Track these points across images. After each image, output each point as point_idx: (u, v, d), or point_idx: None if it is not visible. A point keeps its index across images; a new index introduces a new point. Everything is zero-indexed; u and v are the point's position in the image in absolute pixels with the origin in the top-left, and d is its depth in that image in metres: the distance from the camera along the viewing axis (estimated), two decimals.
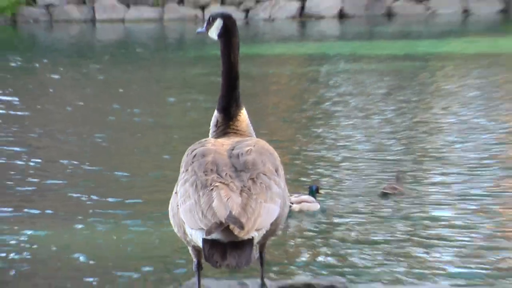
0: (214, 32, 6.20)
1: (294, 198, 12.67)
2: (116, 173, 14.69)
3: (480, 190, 13.48)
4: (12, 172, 14.86)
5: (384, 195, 13.17)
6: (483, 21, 30.69)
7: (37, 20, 30.63)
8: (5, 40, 29.70)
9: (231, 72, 6.00)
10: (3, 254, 11.30)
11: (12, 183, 14.35)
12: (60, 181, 14.24)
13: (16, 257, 11.29)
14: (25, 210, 12.94)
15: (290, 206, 12.27)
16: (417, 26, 29.76)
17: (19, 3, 30.79)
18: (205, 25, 6.32)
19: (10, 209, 12.99)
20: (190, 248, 5.96)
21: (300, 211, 12.41)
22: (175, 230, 6.05)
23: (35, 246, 11.48)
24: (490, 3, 31.51)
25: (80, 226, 12.19)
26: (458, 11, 31.14)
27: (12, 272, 10.84)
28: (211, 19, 6.35)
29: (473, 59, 24.97)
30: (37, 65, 25.53)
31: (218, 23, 6.24)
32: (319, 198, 12.77)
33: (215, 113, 6.21)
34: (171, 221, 6.06)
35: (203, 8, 31.12)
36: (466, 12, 30.78)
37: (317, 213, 12.51)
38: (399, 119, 18.16)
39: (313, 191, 12.79)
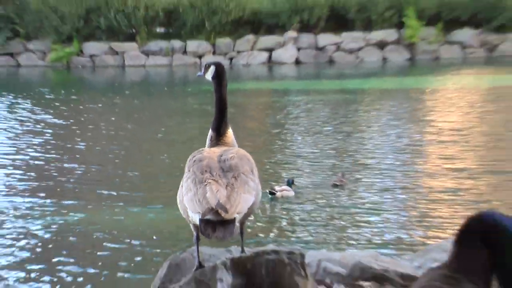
0: (209, 75, 6.37)
1: (278, 188, 12.89)
2: (133, 173, 14.62)
3: (394, 184, 13.45)
4: (58, 173, 14.76)
5: (335, 186, 13.27)
6: (395, 66, 30.57)
7: (84, 66, 30.53)
8: (62, 80, 29.52)
9: (221, 102, 6.23)
10: (55, 230, 11.22)
11: (59, 180, 14.25)
12: (92, 179, 14.17)
13: (64, 233, 11.22)
14: (68, 200, 12.86)
15: (275, 193, 12.84)
16: (350, 70, 29.67)
17: (71, 54, 30.74)
18: (203, 70, 6.48)
19: (55, 200, 12.91)
20: (191, 225, 6.02)
21: (282, 197, 12.58)
22: (181, 213, 6.12)
23: (78, 226, 11.41)
24: (401, 53, 31.43)
25: (107, 210, 12.10)
26: (379, 59, 31.10)
27: (60, 244, 10.78)
28: (207, 65, 6.49)
29: (387, 92, 24.93)
30: (82, 97, 25.42)
31: (212, 69, 6.40)
32: (293, 188, 12.93)
33: (210, 131, 6.32)
34: (178, 207, 6.13)
35: (200, 57, 31.07)
36: (384, 59, 30.77)
37: (292, 198, 12.61)
38: (337, 135, 18.15)
39: (290, 183, 12.98)
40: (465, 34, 32.82)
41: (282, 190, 12.88)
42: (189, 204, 5.94)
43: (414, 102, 23.37)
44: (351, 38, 32.50)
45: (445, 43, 32.67)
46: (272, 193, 12.87)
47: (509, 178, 13.05)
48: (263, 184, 12.79)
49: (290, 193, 12.84)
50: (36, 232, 11.24)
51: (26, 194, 13.37)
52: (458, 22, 32.90)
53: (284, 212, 12.05)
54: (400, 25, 32.34)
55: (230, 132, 6.35)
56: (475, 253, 2.97)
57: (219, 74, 6.42)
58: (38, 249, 10.51)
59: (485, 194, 12.76)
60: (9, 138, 18.61)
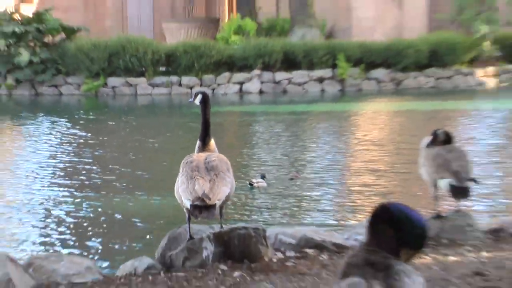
0: (197, 101, 6.43)
1: (255, 180, 12.97)
2: (140, 172, 14.56)
3: (330, 179, 13.44)
4: (85, 172, 14.69)
5: (291, 179, 13.29)
6: (330, 95, 30.68)
7: (107, 94, 30.42)
8: (91, 105, 29.43)
9: (205, 121, 6.32)
10: (83, 215, 11.15)
11: (86, 177, 14.18)
12: (109, 176, 14.10)
13: (89, 216, 11.16)
14: (92, 191, 12.81)
15: (252, 185, 12.83)
16: (298, 98, 29.74)
17: (99, 86, 30.73)
18: (193, 97, 6.51)
19: (83, 192, 12.82)
20: (184, 209, 5.99)
21: (258, 187, 12.61)
22: (177, 200, 6.09)
23: (100, 210, 11.34)
24: (335, 86, 31.47)
25: (121, 199, 12.02)
26: (319, 90, 31.22)
27: (87, 224, 10.72)
28: (196, 94, 6.54)
29: (325, 114, 24.93)
30: (104, 116, 25.34)
31: (199, 96, 6.45)
32: (265, 180, 12.98)
33: (198, 141, 6.33)
34: (176, 196, 6.10)
35: (191, 88, 30.99)
36: (322, 90, 30.82)
37: (265, 188, 12.61)
38: (290, 144, 18.13)
39: (263, 177, 13.05)
40: (380, 72, 32.88)
41: (258, 182, 12.92)
42: (183, 194, 5.98)
43: (343, 121, 23.42)
44: (299, 75, 32.40)
45: (366, 79, 32.68)
46: (251, 184, 12.85)
47: (408, 177, 13.06)
48: (243, 178, 12.93)
49: (264, 184, 12.90)
50: (68, 216, 11.18)
51: (61, 188, 13.29)
52: (375, 64, 32.97)
53: (254, 199, 12.03)
54: (334, 66, 32.27)
55: (212, 142, 6.44)
56: (384, 232, 3.00)
57: (205, 100, 6.55)
58: (71, 230, 10.45)
59: (392, 188, 12.81)
60: (50, 146, 18.53)
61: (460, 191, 6.70)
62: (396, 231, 2.98)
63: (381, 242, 3.00)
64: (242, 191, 12.30)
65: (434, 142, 6.89)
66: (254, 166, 15.24)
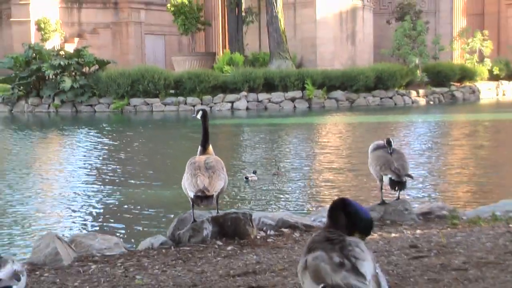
0: (199, 116, 6.37)
1: (249, 175, 12.97)
2: (152, 171, 14.54)
3: (300, 176, 13.42)
4: (110, 171, 14.65)
5: (274, 175, 13.30)
6: (301, 111, 30.80)
7: (130, 111, 30.53)
8: (117, 120, 29.38)
9: (205, 132, 6.27)
10: (109, 204, 11.12)
11: (110, 175, 14.13)
12: (128, 174, 14.07)
13: (114, 205, 11.13)
14: (116, 186, 12.76)
15: (247, 178, 12.85)
16: (276, 113, 29.89)
17: (123, 105, 30.80)
18: (195, 113, 6.46)
19: (108, 186, 12.79)
20: (189, 199, 5.95)
21: (251, 180, 12.58)
22: (184, 192, 6.06)
23: (122, 200, 11.31)
24: (304, 104, 31.72)
25: (139, 192, 12.00)
26: (291, 107, 31.29)
27: (113, 211, 10.69)
28: (198, 111, 6.48)
29: (296, 125, 24.95)
30: (126, 128, 25.27)
31: (200, 113, 6.39)
32: (256, 175, 12.96)
33: (199, 147, 6.29)
34: (183, 188, 6.07)
35: (194, 106, 31.07)
36: (295, 107, 30.92)
37: (256, 181, 12.61)
38: (270, 148, 18.12)
39: (254, 172, 13.02)
40: (338, 93, 32.94)
41: (251, 176, 12.87)
42: (188, 187, 5.94)
43: (311, 130, 23.42)
44: (276, 96, 32.44)
45: (327, 98, 32.72)
46: (246, 178, 12.80)
47: (360, 174, 13.08)
48: (235, 175, 12.81)
49: (255, 178, 12.85)
50: (99, 204, 11.15)
51: (94, 184, 13.25)
52: (334, 87, 33.04)
53: (243, 191, 12.02)
54: (303, 88, 32.33)
55: (210, 148, 6.38)
56: (340, 218, 3.02)
57: (204, 115, 6.47)
58: (102, 215, 10.42)
59: (347, 182, 12.81)
60: (83, 152, 18.46)
61: (398, 184, 6.78)
62: (348, 219, 3.01)
63: (338, 226, 3.02)
64: (236, 184, 12.30)
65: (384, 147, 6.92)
66: (243, 165, 15.23)
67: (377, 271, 2.83)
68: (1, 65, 33.88)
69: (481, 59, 41.13)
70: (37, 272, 5.36)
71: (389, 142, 6.83)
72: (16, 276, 4.13)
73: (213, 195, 5.88)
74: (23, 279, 4.22)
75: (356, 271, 2.79)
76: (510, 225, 6.17)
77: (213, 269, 5.14)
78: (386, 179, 6.80)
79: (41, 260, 5.63)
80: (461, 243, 5.40)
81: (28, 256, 5.89)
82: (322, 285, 2.79)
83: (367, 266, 2.83)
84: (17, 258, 4.86)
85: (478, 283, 4.17)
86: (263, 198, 11.38)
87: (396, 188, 6.84)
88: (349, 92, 33.08)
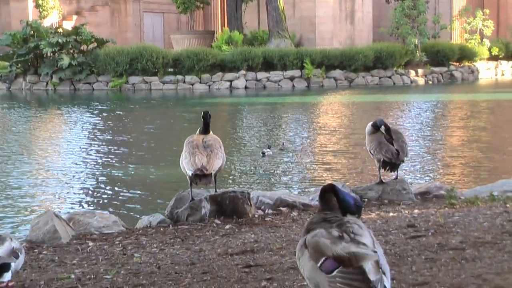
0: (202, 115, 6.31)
1: (265, 150, 13.11)
2: (147, 150, 14.54)
3: (297, 157, 13.42)
4: (112, 150, 14.63)
5: (281, 150, 13.46)
6: (299, 91, 30.72)
7: (129, 89, 30.40)
8: (116, 98, 29.35)
9: (206, 125, 6.18)
10: (115, 184, 11.12)
11: (113, 153, 14.14)
12: (125, 153, 14.06)
13: (118, 182, 11.15)
14: (118, 165, 12.77)
15: (264, 153, 13.00)
16: (275, 92, 29.84)
17: (122, 83, 30.70)
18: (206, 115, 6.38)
19: (111, 166, 12.81)
20: (187, 177, 5.96)
21: (267, 155, 12.78)
22: (182, 170, 6.06)
23: (125, 178, 11.32)
24: (302, 83, 31.56)
25: (142, 171, 12.02)
26: (290, 86, 31.08)
27: (116, 190, 10.70)
28: (205, 112, 6.45)
29: (295, 104, 24.95)
30: (125, 107, 25.27)
31: (202, 113, 6.33)
32: (271, 149, 13.07)
33: (197, 131, 6.31)
34: (181, 167, 6.07)
35: (192, 84, 31.30)
36: (293, 87, 30.76)
37: (271, 155, 12.71)
38: (266, 127, 18.12)
39: (269, 147, 13.22)
40: (336, 73, 32.88)
41: (267, 151, 13.04)
42: (186, 166, 5.93)
43: (309, 110, 23.38)
44: (275, 75, 32.36)
45: (326, 77, 32.64)
46: (263, 153, 12.97)
47: (358, 153, 13.07)
48: (235, 152, 12.81)
49: (270, 152, 13.01)
50: (98, 183, 11.17)
51: (88, 161, 13.27)
52: (333, 66, 32.97)
53: (243, 170, 12.02)
54: (301, 67, 32.24)
55: (212, 135, 6.30)
56: (333, 200, 3.04)
57: (205, 116, 6.31)
58: (101, 193, 10.43)
59: (346, 161, 12.82)
60: (81, 130, 18.44)
61: (391, 166, 6.86)
62: (338, 200, 3.04)
63: (332, 207, 3.03)
64: (233, 161, 12.30)
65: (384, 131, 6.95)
66: (242, 142, 15.22)
67: (375, 249, 2.83)
68: None
69: (481, 39, 41.00)
70: (36, 250, 5.38)
71: (387, 130, 6.83)
72: (14, 253, 4.14)
73: (211, 173, 5.88)
74: (21, 256, 4.23)
75: (357, 242, 2.79)
76: (508, 205, 6.18)
77: (211, 248, 5.15)
78: (378, 159, 6.90)
79: (39, 238, 5.65)
80: (458, 223, 5.42)
81: (27, 234, 5.90)
82: (323, 258, 2.78)
83: (366, 239, 2.83)
84: (16, 236, 4.87)
85: (475, 262, 4.19)
86: (261, 176, 11.38)
87: (388, 169, 6.91)
88: (347, 72, 33.02)
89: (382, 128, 6.79)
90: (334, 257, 2.74)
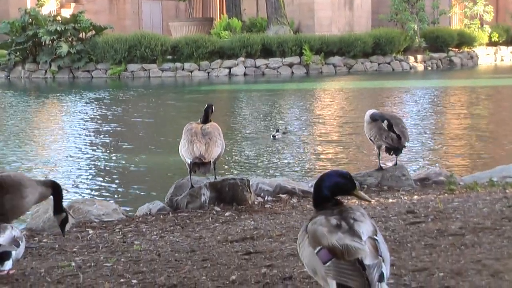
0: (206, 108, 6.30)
1: (275, 133, 13.32)
2: (145, 137, 14.56)
3: (299, 147, 13.40)
4: (112, 136, 14.64)
5: (284, 133, 13.55)
6: (298, 77, 30.68)
7: (128, 77, 30.39)
8: (115, 85, 29.32)
9: (206, 116, 6.19)
10: (115, 171, 11.12)
11: (113, 139, 14.14)
12: (123, 140, 14.05)
13: (121, 168, 11.14)
14: (117, 151, 12.77)
15: (275, 137, 13.19)
16: (273, 79, 29.84)
17: (121, 70, 30.70)
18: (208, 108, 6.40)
19: (110, 152, 12.80)
20: (186, 165, 5.96)
21: (277, 139, 13.02)
22: (181, 158, 6.06)
23: (128, 165, 11.33)
24: (301, 70, 31.52)
25: (139, 158, 12.01)
26: (289, 73, 31.03)
27: (118, 175, 10.70)
28: (208, 105, 6.47)
29: (293, 91, 24.92)
30: (125, 93, 25.23)
31: (206, 105, 6.35)
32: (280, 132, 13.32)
33: (199, 120, 6.34)
34: (180, 154, 6.07)
35: (191, 71, 31.43)
36: (292, 73, 30.73)
37: (280, 138, 13.06)
38: (265, 112, 18.09)
39: (278, 130, 13.47)
40: (335, 59, 32.85)
41: (277, 134, 13.26)
42: (185, 154, 5.93)
43: (308, 97, 23.35)
44: (274, 61, 32.31)
45: (325, 64, 32.60)
46: (274, 137, 13.20)
47: (357, 139, 13.09)
48: (233, 137, 12.81)
49: (280, 135, 13.21)
50: (98, 170, 11.17)
51: (87, 149, 13.26)
52: (332, 52, 32.94)
53: (242, 156, 12.00)
54: (300, 54, 32.20)
55: (212, 122, 6.27)
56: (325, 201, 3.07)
57: (207, 109, 6.37)
58: (101, 181, 10.44)
59: (345, 148, 12.83)
60: (79, 117, 18.43)
61: (394, 150, 6.87)
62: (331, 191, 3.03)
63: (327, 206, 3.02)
64: (233, 145, 12.30)
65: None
66: (241, 128, 15.21)
67: (376, 237, 2.83)
68: None
69: (481, 24, 40.89)
70: (36, 238, 5.39)
71: (390, 126, 6.83)
72: (15, 242, 4.14)
73: (209, 162, 5.88)
74: (22, 245, 4.24)
75: (352, 232, 2.80)
76: (507, 191, 6.19)
77: (211, 235, 5.16)
78: (378, 145, 6.93)
79: (39, 225, 5.66)
80: (458, 209, 5.42)
81: (27, 222, 5.91)
82: (318, 247, 2.80)
83: (364, 228, 2.83)
84: (16, 224, 4.88)
85: (474, 248, 4.20)
86: (260, 163, 11.39)
87: (392, 153, 6.95)
88: (346, 58, 32.98)
89: (385, 123, 6.78)
90: (329, 248, 2.76)
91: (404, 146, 6.90)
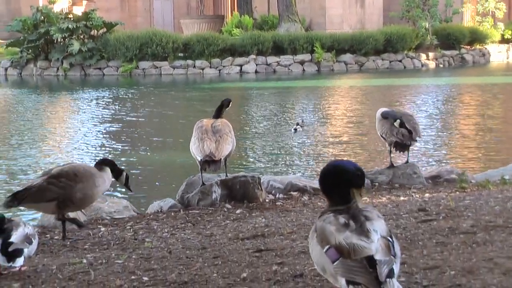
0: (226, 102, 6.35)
1: (296, 126, 13.63)
2: (156, 135, 14.55)
3: (306, 145, 13.37)
4: (123, 133, 14.66)
5: (301, 126, 13.71)
6: (309, 75, 30.62)
7: (139, 74, 30.44)
8: (126, 82, 29.35)
9: (220, 111, 6.18)
10: (127, 168, 11.14)
11: (125, 136, 14.17)
12: (134, 138, 14.08)
13: (131, 165, 11.17)
14: (129, 148, 12.78)
15: (296, 130, 13.46)
16: (284, 76, 29.81)
17: (132, 68, 30.74)
18: (225, 102, 6.48)
19: (122, 149, 12.82)
20: (197, 163, 5.96)
21: (298, 131, 13.32)
22: (192, 155, 6.07)
23: (136, 162, 11.34)
24: (313, 67, 31.41)
25: (151, 155, 12.03)
26: (300, 71, 30.99)
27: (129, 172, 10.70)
28: (226, 100, 6.49)
29: (305, 88, 24.84)
30: (136, 90, 25.24)
31: (226, 101, 6.38)
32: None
33: (212, 117, 6.38)
34: (191, 153, 6.07)
35: (203, 69, 31.47)
36: (303, 71, 30.69)
37: (301, 131, 13.30)
38: (277, 108, 18.06)
39: (298, 124, 13.74)
40: (347, 57, 32.74)
41: (297, 127, 13.55)
42: (195, 151, 5.94)
43: (319, 94, 23.30)
44: (285, 59, 32.24)
45: (336, 61, 32.52)
46: (295, 130, 13.46)
47: (369, 137, 13.05)
48: (246, 134, 12.76)
49: (300, 128, 13.52)
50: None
51: (98, 146, 13.29)
52: (343, 50, 32.84)
53: (253, 153, 11.99)
54: (312, 52, 32.13)
55: (222, 119, 6.32)
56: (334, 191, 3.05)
57: (223, 102, 6.46)
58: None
59: (354, 150, 12.79)
60: (91, 115, 18.46)
61: (402, 146, 6.89)
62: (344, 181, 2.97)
63: (337, 198, 3.00)
64: (245, 142, 12.29)
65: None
66: (253, 125, 15.20)
67: (390, 238, 2.82)
68: (10, 28, 33.80)
69: (494, 22, 40.66)
70: (48, 235, 5.41)
71: (402, 124, 6.81)
72: (27, 239, 4.16)
73: (220, 159, 5.88)
74: (35, 242, 4.26)
75: (360, 231, 2.79)
76: None
77: (222, 232, 5.16)
78: (389, 143, 6.92)
79: (51, 223, 5.68)
80: (469, 207, 5.40)
81: (39, 219, 5.93)
82: (327, 246, 2.80)
83: (378, 226, 2.82)
84: (28, 221, 4.90)
85: (486, 246, 4.18)
86: (272, 160, 11.38)
87: (399, 150, 6.96)
88: (358, 55, 32.89)
89: (397, 123, 6.76)
90: (336, 247, 2.77)
91: (416, 141, 6.89)
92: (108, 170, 5.18)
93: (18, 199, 4.79)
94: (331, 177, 2.98)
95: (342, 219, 2.84)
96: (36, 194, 4.81)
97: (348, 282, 2.70)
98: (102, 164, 5.24)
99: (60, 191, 4.88)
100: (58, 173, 4.93)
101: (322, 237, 2.85)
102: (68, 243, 5.09)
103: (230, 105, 6.47)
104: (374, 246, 2.74)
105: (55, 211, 5.04)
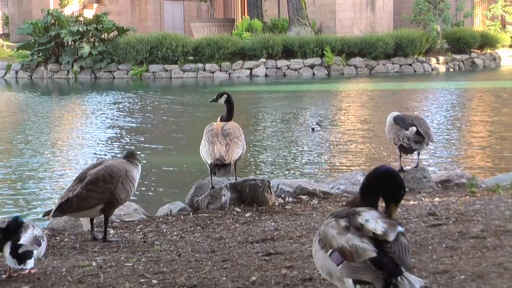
0: (222, 100, 6.35)
1: (314, 126, 13.86)
2: (167, 138, 14.59)
3: (316, 146, 13.33)
4: (132, 135, 14.69)
5: (320, 125, 13.80)
6: (319, 78, 30.61)
7: (149, 78, 30.53)
8: (136, 86, 29.43)
9: (230, 111, 6.17)
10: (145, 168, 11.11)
11: (134, 138, 14.17)
12: (144, 141, 14.09)
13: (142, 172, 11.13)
14: (139, 151, 12.79)
15: (314, 129, 13.70)
16: (295, 80, 29.80)
17: (142, 71, 30.86)
18: (216, 97, 6.44)
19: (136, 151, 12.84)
20: (207, 166, 5.96)
21: (316, 131, 13.51)
22: (202, 159, 6.07)
23: (149, 167, 11.36)
24: (323, 71, 31.39)
25: (160, 158, 12.04)
26: (310, 74, 30.98)
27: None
28: (219, 94, 6.42)
29: (315, 92, 24.85)
30: (145, 93, 25.29)
31: (224, 97, 6.34)
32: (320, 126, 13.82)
33: (219, 119, 6.37)
34: (200, 155, 6.07)
35: (213, 72, 31.52)
36: (314, 74, 30.71)
37: (319, 131, 13.70)
38: (288, 110, 18.01)
39: (317, 124, 13.97)
40: (357, 60, 32.72)
41: (316, 127, 13.74)
42: (205, 155, 5.95)
43: (329, 97, 23.28)
44: (295, 62, 32.28)
45: (346, 65, 32.51)
46: (313, 129, 13.69)
47: (380, 141, 13.00)
48: (257, 137, 12.71)
49: (319, 128, 13.67)
50: None
51: (108, 149, 13.32)
52: (353, 53, 32.82)
53: (264, 157, 11.98)
54: (322, 55, 32.14)
55: (232, 122, 6.32)
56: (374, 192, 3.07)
57: (229, 99, 6.39)
58: None
59: (367, 149, 12.76)
60: (101, 118, 18.50)
61: (408, 149, 6.90)
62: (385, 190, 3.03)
63: (369, 199, 3.04)
64: (255, 146, 12.27)
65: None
66: (263, 129, 15.19)
67: (394, 235, 2.83)
68: (21, 31, 33.99)
69: (503, 26, 40.54)
70: (57, 238, 5.42)
71: (418, 132, 6.82)
72: (36, 241, 4.17)
73: (230, 163, 5.89)
74: (44, 244, 4.27)
75: (361, 233, 2.80)
76: None
77: (232, 236, 5.16)
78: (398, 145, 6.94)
79: (61, 225, 5.69)
80: (479, 211, 5.38)
81: (49, 222, 5.95)
82: (330, 250, 2.82)
83: (365, 216, 2.85)
84: (38, 223, 4.91)
85: (496, 251, 4.16)
86: (281, 163, 11.36)
87: (407, 153, 7.02)
88: (368, 59, 32.87)
89: (413, 130, 6.75)
90: (339, 250, 2.79)
91: (426, 145, 6.90)
92: (137, 160, 5.36)
93: (61, 211, 4.89)
94: (384, 182, 3.00)
95: (343, 223, 2.87)
96: (78, 204, 4.88)
97: (355, 282, 2.72)
98: (130, 157, 5.36)
99: (102, 196, 4.97)
100: (95, 178, 4.97)
101: (325, 242, 2.88)
102: (78, 245, 5.11)
103: (223, 97, 6.40)
104: (371, 226, 2.79)
105: (99, 214, 5.12)
